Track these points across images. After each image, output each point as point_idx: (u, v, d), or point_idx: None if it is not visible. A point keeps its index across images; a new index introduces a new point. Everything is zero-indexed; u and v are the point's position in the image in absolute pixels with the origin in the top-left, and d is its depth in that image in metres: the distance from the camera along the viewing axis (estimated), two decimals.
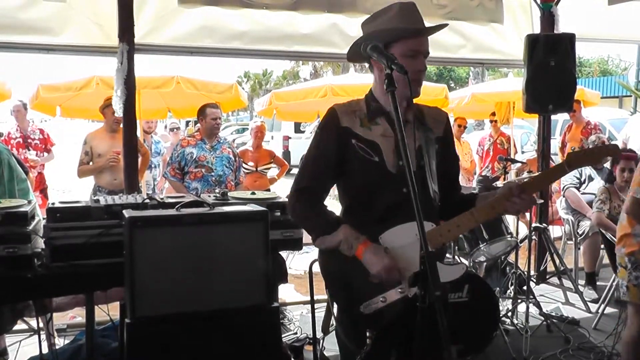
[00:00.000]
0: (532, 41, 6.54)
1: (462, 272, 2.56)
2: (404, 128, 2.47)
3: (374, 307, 2.39)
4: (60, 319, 5.83)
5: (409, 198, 2.32)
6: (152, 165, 8.20)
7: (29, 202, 4.09)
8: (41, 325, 4.42)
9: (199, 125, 6.56)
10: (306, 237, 3.41)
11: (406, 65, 2.37)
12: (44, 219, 3.90)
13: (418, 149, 2.68)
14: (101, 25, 5.78)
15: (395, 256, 2.50)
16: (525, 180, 2.59)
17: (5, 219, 3.68)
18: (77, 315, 5.91)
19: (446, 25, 2.88)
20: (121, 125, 5.94)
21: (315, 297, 4.65)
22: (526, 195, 2.54)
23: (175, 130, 12.66)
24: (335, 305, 2.85)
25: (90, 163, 6.58)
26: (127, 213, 3.38)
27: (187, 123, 26.54)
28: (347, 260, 2.58)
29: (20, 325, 4.91)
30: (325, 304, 3.88)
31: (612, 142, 8.52)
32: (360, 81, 9.49)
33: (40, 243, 3.85)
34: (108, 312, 4.30)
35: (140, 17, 5.75)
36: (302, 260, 7.79)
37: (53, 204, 3.91)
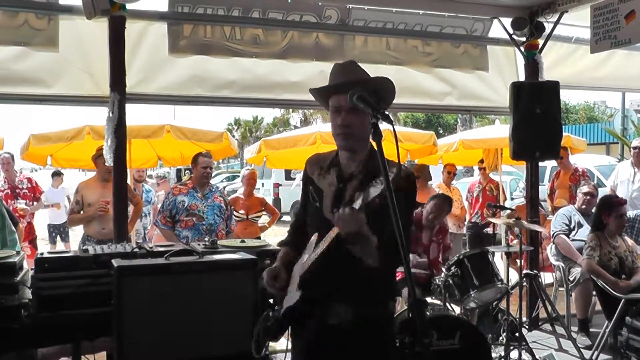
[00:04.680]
0: (517, 89, 6.64)
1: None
2: (349, 181, 2.80)
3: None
4: None
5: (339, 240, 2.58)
6: (143, 214, 8.18)
7: (17, 253, 4.08)
8: None
9: (188, 173, 6.58)
10: None
11: (333, 120, 2.80)
12: (32, 269, 3.89)
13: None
14: (93, 76, 5.84)
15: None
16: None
17: None
18: None
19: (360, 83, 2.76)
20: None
21: None
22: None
23: (162, 180, 12.56)
24: None
25: (81, 212, 6.56)
26: (115, 262, 3.38)
27: (178, 171, 26.57)
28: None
29: None
30: None
31: (600, 188, 8.55)
32: None
33: (27, 294, 3.83)
34: None
35: (132, 67, 5.81)
36: None
37: (42, 254, 3.90)
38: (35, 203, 9.67)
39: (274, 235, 12.84)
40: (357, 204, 2.38)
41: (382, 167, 2.23)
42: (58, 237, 12.05)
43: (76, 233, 11.39)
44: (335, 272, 2.66)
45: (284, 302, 2.79)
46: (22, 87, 5.78)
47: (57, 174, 12.81)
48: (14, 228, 5.40)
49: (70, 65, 5.86)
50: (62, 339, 3.89)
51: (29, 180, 9.79)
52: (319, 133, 8.85)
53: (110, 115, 5.46)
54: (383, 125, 2.34)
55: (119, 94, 5.48)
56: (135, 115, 6.91)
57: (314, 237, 2.82)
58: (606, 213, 6.39)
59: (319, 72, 6.53)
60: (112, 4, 5.27)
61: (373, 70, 6.87)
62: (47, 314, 3.67)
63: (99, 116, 6.78)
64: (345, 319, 2.71)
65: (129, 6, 5.48)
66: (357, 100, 2.42)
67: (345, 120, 2.74)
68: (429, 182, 9.47)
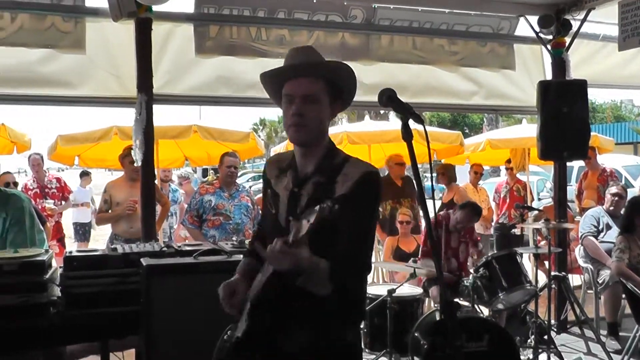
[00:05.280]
0: (544, 88, 6.56)
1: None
2: (304, 185, 2.49)
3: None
4: None
5: None
6: (169, 214, 8.24)
7: (46, 251, 4.12)
8: None
9: (213, 172, 6.62)
10: None
11: (285, 110, 2.48)
12: (60, 267, 3.93)
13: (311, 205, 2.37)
14: (119, 77, 5.88)
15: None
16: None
17: (21, 268, 3.71)
18: None
19: (319, 64, 2.59)
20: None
21: None
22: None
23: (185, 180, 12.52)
24: None
25: (109, 211, 6.62)
26: (144, 261, 3.39)
27: (204, 170, 26.69)
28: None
29: None
30: None
31: (628, 189, 8.42)
32: (376, 128, 9.54)
33: (56, 291, 3.87)
34: (123, 359, 4.27)
35: (159, 68, 5.84)
36: None
37: (70, 252, 3.94)
38: (63, 202, 9.78)
39: None
40: (291, 237, 2.13)
41: (413, 170, 2.11)
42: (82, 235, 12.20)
43: (97, 233, 11.51)
44: (287, 296, 2.34)
45: (237, 327, 2.49)
46: (49, 88, 5.82)
47: (85, 174, 12.98)
48: (42, 227, 5.47)
49: (96, 67, 5.90)
50: (90, 337, 3.93)
51: (58, 180, 9.92)
52: (345, 133, 8.84)
53: (138, 116, 5.49)
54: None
55: (146, 95, 5.52)
56: (162, 115, 6.95)
57: None
58: (638, 215, 6.28)
59: None
60: (139, 6, 5.29)
61: (399, 69, 6.90)
62: (76, 312, 3.71)
63: (126, 117, 6.84)
64: (302, 346, 2.38)
65: (155, 8, 5.51)
66: (387, 100, 2.26)
67: (298, 109, 2.44)
68: (455, 182, 9.42)
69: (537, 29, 7.01)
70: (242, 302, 2.49)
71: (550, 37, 7.07)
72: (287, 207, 2.49)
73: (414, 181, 2.14)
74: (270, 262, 2.26)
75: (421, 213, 7.60)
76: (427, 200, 2.09)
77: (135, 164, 5.85)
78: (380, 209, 8.27)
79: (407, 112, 2.20)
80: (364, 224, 2.43)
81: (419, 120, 2.20)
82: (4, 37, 5.62)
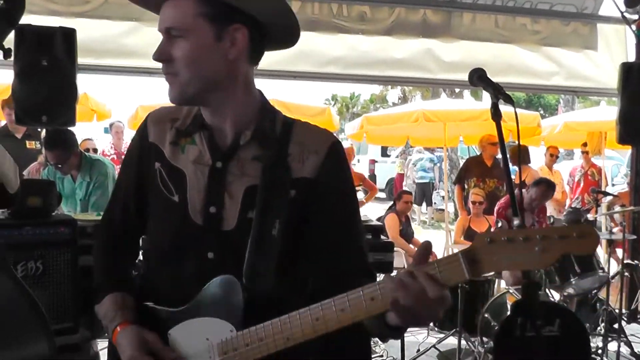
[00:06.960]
0: (626, 70, 6.33)
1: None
2: (233, 156, 1.70)
3: None
4: None
5: (216, 268, 1.61)
6: None
7: None
8: None
9: None
10: (397, 261, 3.40)
11: None
12: None
13: (248, 190, 1.66)
14: None
15: None
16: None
17: None
18: None
19: None
20: None
21: None
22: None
23: None
24: None
25: None
26: None
27: None
28: None
29: None
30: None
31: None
32: (452, 106, 9.46)
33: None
34: None
35: None
36: None
37: None
38: None
39: (372, 211, 12.90)
40: (438, 270, 1.37)
41: (501, 150, 1.90)
42: None
43: None
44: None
45: None
46: (132, 60, 6.00)
47: None
48: None
49: None
50: None
51: None
52: (422, 111, 8.79)
53: None
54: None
55: None
56: None
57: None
58: None
59: (425, 49, 6.48)
60: None
61: (480, 48, 6.80)
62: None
63: None
64: None
65: None
66: (478, 80, 1.91)
67: (160, 51, 1.65)
68: (528, 164, 9.27)
69: (623, 9, 6.79)
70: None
71: (636, 17, 6.82)
72: (205, 191, 1.67)
73: (502, 161, 2.03)
74: (419, 318, 1.42)
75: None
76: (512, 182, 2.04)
77: None
78: (465, 186, 8.22)
79: (497, 92, 1.97)
80: (357, 217, 1.79)
81: (510, 100, 1.99)
82: (90, 10, 5.83)
